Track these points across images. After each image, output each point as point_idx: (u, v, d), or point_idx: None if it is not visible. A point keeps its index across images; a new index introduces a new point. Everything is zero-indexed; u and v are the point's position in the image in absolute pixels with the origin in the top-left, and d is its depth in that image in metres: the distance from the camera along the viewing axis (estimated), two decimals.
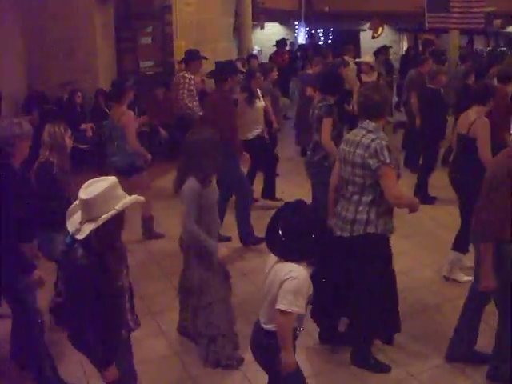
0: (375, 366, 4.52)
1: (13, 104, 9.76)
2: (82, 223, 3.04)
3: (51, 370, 4.27)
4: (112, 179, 3.10)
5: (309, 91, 9.73)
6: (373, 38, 21.12)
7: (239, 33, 16.20)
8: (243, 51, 15.86)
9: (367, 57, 11.25)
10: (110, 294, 3.14)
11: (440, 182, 7.74)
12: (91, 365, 4.24)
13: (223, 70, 6.84)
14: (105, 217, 2.97)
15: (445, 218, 7.50)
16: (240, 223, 6.93)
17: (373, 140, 4.13)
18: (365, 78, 10.24)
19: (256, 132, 7.66)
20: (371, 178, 4.15)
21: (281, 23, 24.01)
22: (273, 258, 3.34)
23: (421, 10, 15.01)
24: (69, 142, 4.94)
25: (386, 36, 22.26)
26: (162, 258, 6.60)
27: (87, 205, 2.99)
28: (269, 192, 8.38)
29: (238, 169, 6.85)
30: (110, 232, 3.07)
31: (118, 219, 3.09)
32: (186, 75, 8.75)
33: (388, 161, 4.07)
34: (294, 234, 3.19)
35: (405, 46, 23.96)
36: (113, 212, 3.00)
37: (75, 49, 10.33)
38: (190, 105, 8.81)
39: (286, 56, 16.66)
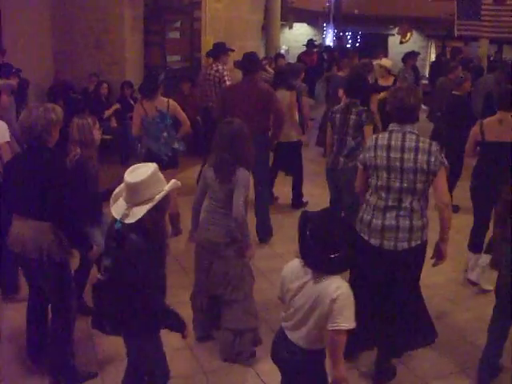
0: (392, 375, 4.49)
1: (39, 92, 9.86)
2: (129, 208, 3.07)
3: (72, 357, 4.29)
4: (153, 165, 3.17)
5: (340, 93, 9.65)
6: (401, 43, 21.00)
7: (267, 31, 16.18)
8: (271, 50, 15.85)
9: (384, 60, 11.08)
10: (157, 278, 3.18)
11: (463, 191, 7.68)
12: (104, 353, 4.28)
13: (252, 61, 6.77)
14: (159, 197, 3.06)
15: (465, 226, 7.42)
16: (261, 218, 6.87)
17: (430, 144, 4.08)
18: (381, 81, 10.07)
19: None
20: (430, 182, 4.09)
21: (309, 24, 23.99)
22: (296, 271, 3.13)
23: (450, 17, 14.90)
24: (97, 135, 4.91)
25: (413, 42, 22.11)
26: (180, 252, 6.60)
27: (136, 188, 3.04)
28: (297, 200, 8.27)
29: (268, 162, 6.85)
30: (161, 213, 3.16)
31: (167, 201, 3.17)
32: (225, 67, 8.70)
33: (446, 163, 4.09)
34: (331, 247, 2.96)
35: (433, 52, 23.81)
36: (165, 192, 3.09)
37: (103, 40, 10.41)
38: None
39: (314, 57, 16.64)
